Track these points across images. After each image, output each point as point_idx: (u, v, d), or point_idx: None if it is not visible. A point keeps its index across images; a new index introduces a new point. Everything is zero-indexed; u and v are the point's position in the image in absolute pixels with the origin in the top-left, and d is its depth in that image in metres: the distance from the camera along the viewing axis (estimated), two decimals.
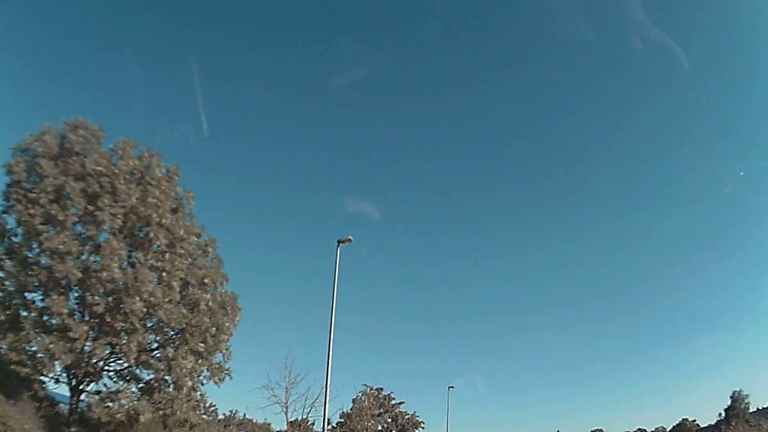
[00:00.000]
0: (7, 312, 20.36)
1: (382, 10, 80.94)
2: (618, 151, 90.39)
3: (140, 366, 22.55)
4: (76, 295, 21.06)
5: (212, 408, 34.69)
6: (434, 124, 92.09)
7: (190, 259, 22.80)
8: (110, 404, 21.12)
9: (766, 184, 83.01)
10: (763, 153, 77.45)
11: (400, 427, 50.17)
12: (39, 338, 19.70)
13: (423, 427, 51.58)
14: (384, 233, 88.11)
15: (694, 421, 62.07)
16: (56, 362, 20.05)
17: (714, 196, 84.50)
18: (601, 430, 72.17)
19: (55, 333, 19.97)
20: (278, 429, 34.31)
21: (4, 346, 20.59)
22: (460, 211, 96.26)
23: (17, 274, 20.25)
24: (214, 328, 22.29)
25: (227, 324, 22.89)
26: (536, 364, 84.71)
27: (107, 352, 21.03)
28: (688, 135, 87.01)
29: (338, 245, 24.97)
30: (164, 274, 20.96)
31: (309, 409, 29.66)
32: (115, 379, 23.52)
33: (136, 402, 20.95)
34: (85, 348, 20.42)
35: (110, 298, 20.25)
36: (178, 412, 21.94)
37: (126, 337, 20.42)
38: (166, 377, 22.21)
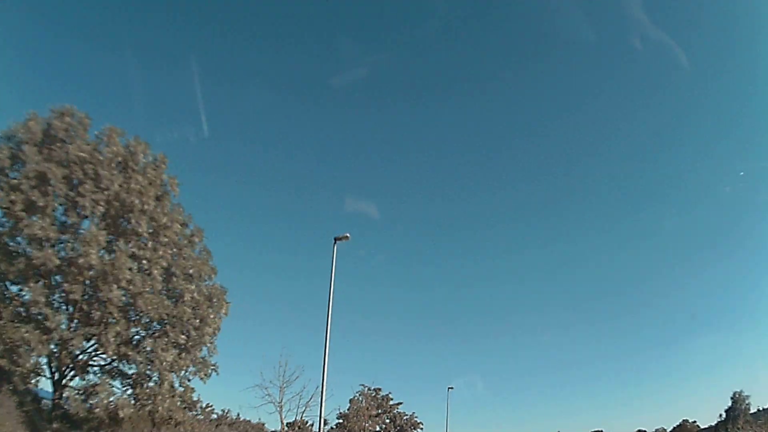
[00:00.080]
0: None
1: (382, 10, 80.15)
2: (618, 151, 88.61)
3: (122, 359, 21.72)
4: (55, 284, 20.40)
5: (209, 408, 33.71)
6: (434, 123, 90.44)
7: (175, 249, 22.03)
8: (89, 399, 20.25)
9: (766, 184, 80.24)
10: (763, 153, 76.20)
11: (398, 427, 49.49)
12: (16, 328, 19.05)
13: (422, 428, 51.10)
14: (384, 233, 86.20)
15: (695, 422, 60.93)
16: (33, 354, 19.38)
17: (714, 196, 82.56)
18: (601, 431, 70.46)
19: (32, 323, 19.32)
20: (273, 429, 33.03)
21: None
22: (460, 211, 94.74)
23: None
24: (197, 321, 21.39)
25: (212, 316, 21.96)
26: (536, 364, 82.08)
27: (86, 343, 20.21)
28: (688, 135, 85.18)
29: (335, 243, 24.39)
30: (145, 262, 20.15)
31: (303, 408, 28.65)
32: (99, 374, 22.80)
33: (115, 397, 20.07)
34: (64, 339, 19.68)
35: (88, 287, 19.48)
36: (160, 408, 20.98)
37: (104, 328, 19.59)
38: (149, 372, 21.38)
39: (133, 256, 20.41)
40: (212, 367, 23.31)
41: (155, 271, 20.28)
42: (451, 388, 49.55)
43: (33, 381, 22.58)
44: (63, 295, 19.69)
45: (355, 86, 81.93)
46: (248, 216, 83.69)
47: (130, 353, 20.07)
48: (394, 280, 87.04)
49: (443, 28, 76.95)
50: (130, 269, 19.53)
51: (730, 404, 57.26)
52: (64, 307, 20.44)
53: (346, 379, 52.49)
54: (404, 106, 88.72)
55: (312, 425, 32.42)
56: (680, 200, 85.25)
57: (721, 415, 57.77)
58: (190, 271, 22.01)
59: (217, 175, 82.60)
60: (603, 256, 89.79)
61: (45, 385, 23.42)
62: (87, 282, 19.49)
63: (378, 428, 47.67)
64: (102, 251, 19.64)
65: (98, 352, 21.98)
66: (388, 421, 48.88)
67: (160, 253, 20.80)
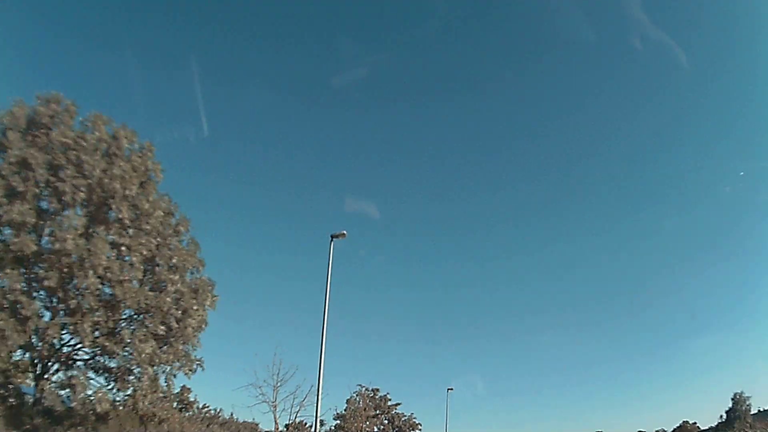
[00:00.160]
0: None
1: (382, 10, 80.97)
2: (618, 151, 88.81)
3: (100, 351, 20.88)
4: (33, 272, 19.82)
5: (205, 408, 32.87)
6: (434, 123, 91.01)
7: (159, 239, 21.30)
8: (64, 393, 19.52)
9: (766, 184, 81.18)
10: (763, 153, 76.72)
11: (396, 428, 48.59)
12: None
13: (420, 429, 50.14)
14: (384, 233, 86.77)
15: (695, 423, 60.79)
16: (9, 342, 18.74)
17: (714, 196, 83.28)
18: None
19: (8, 311, 18.72)
20: (267, 430, 31.89)
21: None
22: (460, 212, 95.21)
23: None
24: (179, 312, 20.53)
25: (195, 308, 21.08)
26: (536, 365, 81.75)
27: (67, 336, 19.53)
28: (688, 135, 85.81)
29: (332, 240, 23.97)
30: (124, 249, 19.43)
31: (298, 408, 27.62)
32: (82, 368, 22.10)
33: (92, 391, 19.27)
34: (40, 328, 19.03)
35: (64, 274, 18.81)
36: (141, 403, 20.10)
37: (81, 317, 18.85)
38: (131, 366, 20.55)
39: (113, 244, 19.76)
40: (197, 362, 22.40)
41: (135, 259, 19.53)
42: (451, 389, 49.40)
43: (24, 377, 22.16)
44: (40, 283, 19.05)
45: (355, 86, 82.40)
46: (248, 216, 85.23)
47: (107, 344, 19.23)
48: (394, 280, 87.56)
49: (443, 28, 77.62)
50: (108, 256, 18.81)
51: (730, 405, 57.69)
52: (41, 296, 19.80)
53: (346, 381, 52.25)
54: (404, 106, 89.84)
55: (311, 427, 31.33)
56: (680, 200, 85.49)
57: (721, 416, 58.29)
58: (174, 261, 21.23)
59: (217, 175, 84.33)
60: (603, 257, 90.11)
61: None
62: (64, 269, 18.80)
63: (376, 429, 46.94)
64: (80, 238, 18.95)
65: (78, 345, 21.39)
66: (386, 422, 48.12)
67: (142, 240, 20.06)
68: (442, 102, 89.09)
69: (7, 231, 19.72)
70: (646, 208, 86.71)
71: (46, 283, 18.50)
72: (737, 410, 57.04)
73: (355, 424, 40.43)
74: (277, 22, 78.39)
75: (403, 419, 48.94)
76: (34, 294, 19.63)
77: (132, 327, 19.68)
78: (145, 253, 20.23)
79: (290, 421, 28.83)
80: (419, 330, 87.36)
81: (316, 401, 23.36)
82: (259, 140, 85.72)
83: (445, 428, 49.37)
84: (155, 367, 21.10)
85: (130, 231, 20.23)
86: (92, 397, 19.85)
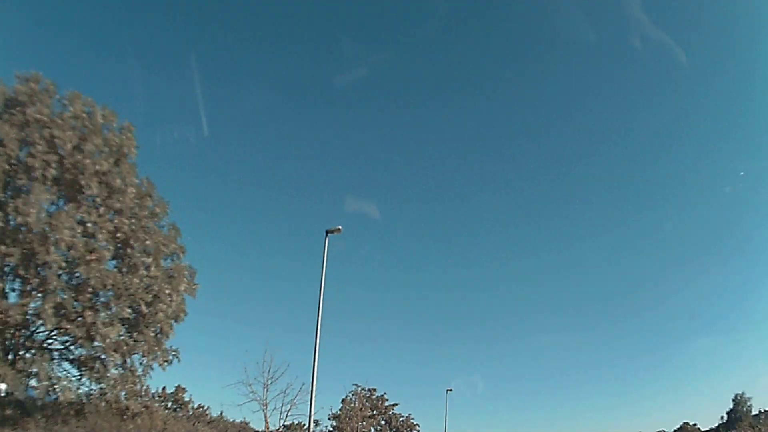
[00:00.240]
0: None
1: (383, 10, 79.06)
2: (617, 151, 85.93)
3: (72, 338, 19.74)
4: None
5: (202, 409, 31.39)
6: (434, 123, 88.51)
7: (133, 220, 20.21)
8: (28, 381, 18.37)
9: (766, 184, 77.70)
10: (763, 153, 75.03)
11: (394, 429, 47.33)
12: None
13: (418, 430, 49.35)
14: (384, 234, 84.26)
15: (695, 425, 60.28)
16: None
17: (714, 196, 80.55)
18: None
19: None
20: (258, 430, 30.09)
21: None
22: (460, 212, 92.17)
23: None
24: (149, 296, 19.24)
25: (168, 292, 19.75)
26: (536, 367, 78.95)
27: (26, 315, 18.45)
28: (688, 135, 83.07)
29: (327, 235, 23.93)
30: (90, 225, 18.34)
31: (289, 407, 26.02)
32: (57, 358, 21.03)
33: (54, 380, 18.03)
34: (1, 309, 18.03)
35: (26, 251, 17.83)
36: (109, 394, 18.76)
37: (44, 298, 17.78)
38: (100, 354, 19.33)
39: (81, 222, 18.74)
40: (173, 353, 21.02)
41: (101, 236, 18.41)
42: (450, 390, 49.04)
43: None
44: (2, 259, 18.14)
45: (356, 86, 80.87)
46: (248, 216, 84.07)
47: (68, 326, 18.03)
48: (394, 280, 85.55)
49: (443, 28, 75.55)
50: (72, 231, 17.72)
51: (731, 406, 57.55)
52: (7, 275, 18.88)
53: (345, 382, 50.81)
54: (405, 105, 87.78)
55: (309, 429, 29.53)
56: (680, 201, 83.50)
57: (722, 417, 58.14)
58: (147, 242, 20.05)
59: (217, 175, 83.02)
60: (602, 257, 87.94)
61: None
62: (26, 246, 17.84)
63: (373, 430, 45.56)
64: (46, 213, 18.03)
65: (53, 333, 20.36)
66: (383, 422, 46.66)
67: (112, 219, 18.98)
68: (443, 102, 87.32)
69: None
70: (645, 209, 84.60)
71: (8, 259, 17.53)
72: (738, 411, 56.82)
73: (351, 424, 38.62)
74: (278, 22, 78.30)
75: (400, 420, 48.18)
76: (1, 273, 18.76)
77: (96, 307, 18.34)
78: (117, 234, 19.15)
79: (285, 422, 26.96)
80: (419, 331, 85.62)
81: (310, 399, 22.36)
82: (259, 140, 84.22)
83: (444, 429, 49.09)
84: (125, 357, 19.81)
85: (101, 210, 19.19)
86: (57, 386, 18.57)
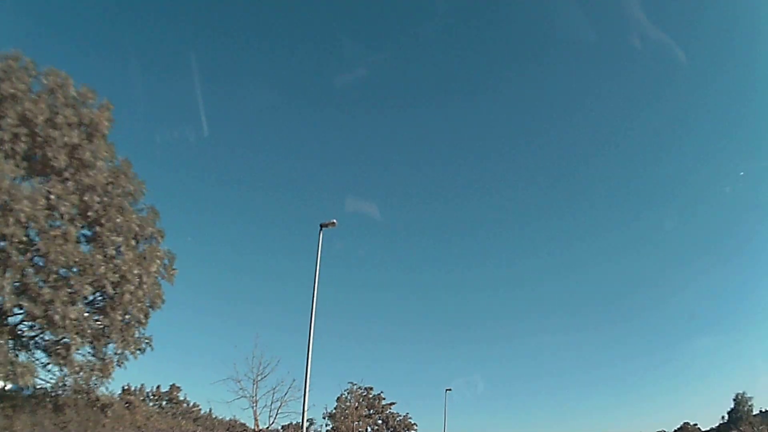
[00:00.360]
0: None
1: (383, 10, 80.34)
2: (618, 152, 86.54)
3: (46, 325, 18.58)
4: None
5: (188, 405, 29.87)
6: (435, 124, 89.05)
7: (106, 199, 19.15)
8: None
9: (766, 184, 79.27)
10: (763, 153, 75.13)
11: (391, 428, 46.10)
12: None
13: (416, 430, 48.72)
14: (385, 234, 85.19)
15: (696, 425, 60.43)
16: None
17: (714, 196, 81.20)
18: None
19: None
20: (252, 428, 28.49)
21: None
22: (461, 213, 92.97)
23: None
24: (116, 275, 17.99)
25: (136, 272, 18.47)
26: (537, 367, 79.69)
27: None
28: (688, 135, 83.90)
29: (321, 229, 23.83)
30: (53, 198, 17.31)
31: (279, 404, 24.50)
32: (31, 346, 19.90)
33: (9, 366, 16.79)
34: None
35: None
36: (69, 380, 17.44)
37: (2, 274, 16.70)
38: (64, 338, 18.09)
39: (47, 197, 17.73)
40: (146, 340, 19.67)
41: (63, 209, 17.34)
42: (449, 390, 48.45)
43: None
44: None
45: (356, 87, 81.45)
46: (248, 216, 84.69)
47: (26, 303, 16.87)
48: (394, 280, 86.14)
49: (443, 28, 76.94)
50: (32, 204, 16.69)
51: (732, 406, 57.23)
52: None
53: (344, 382, 48.93)
54: (405, 106, 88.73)
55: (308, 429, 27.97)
56: (680, 201, 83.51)
57: (723, 417, 57.87)
58: (118, 220, 18.91)
59: (217, 175, 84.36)
60: (603, 258, 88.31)
61: None
62: None
63: (369, 429, 43.96)
64: (8, 184, 17.07)
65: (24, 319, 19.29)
66: (380, 422, 45.17)
67: (78, 193, 17.94)
68: (443, 102, 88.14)
69: None
70: (646, 209, 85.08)
71: None
72: (739, 411, 56.29)
73: (346, 423, 36.72)
74: (278, 22, 79.43)
75: (397, 419, 47.03)
76: None
77: (56, 284, 17.12)
78: (87, 212, 18.09)
79: (275, 420, 25.23)
80: (420, 331, 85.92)
81: (303, 396, 21.68)
82: (259, 140, 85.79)
83: (443, 429, 48.28)
84: (94, 342, 18.52)
85: (69, 184, 18.22)
86: (15, 372, 17.32)
